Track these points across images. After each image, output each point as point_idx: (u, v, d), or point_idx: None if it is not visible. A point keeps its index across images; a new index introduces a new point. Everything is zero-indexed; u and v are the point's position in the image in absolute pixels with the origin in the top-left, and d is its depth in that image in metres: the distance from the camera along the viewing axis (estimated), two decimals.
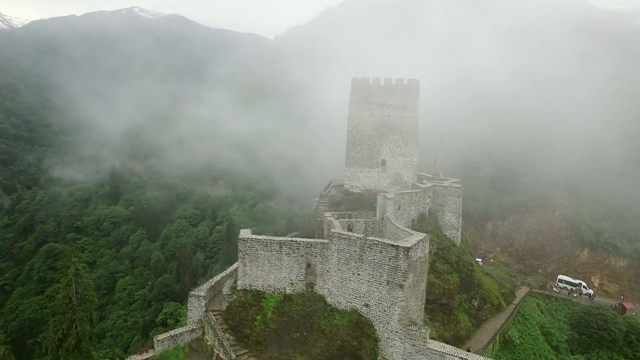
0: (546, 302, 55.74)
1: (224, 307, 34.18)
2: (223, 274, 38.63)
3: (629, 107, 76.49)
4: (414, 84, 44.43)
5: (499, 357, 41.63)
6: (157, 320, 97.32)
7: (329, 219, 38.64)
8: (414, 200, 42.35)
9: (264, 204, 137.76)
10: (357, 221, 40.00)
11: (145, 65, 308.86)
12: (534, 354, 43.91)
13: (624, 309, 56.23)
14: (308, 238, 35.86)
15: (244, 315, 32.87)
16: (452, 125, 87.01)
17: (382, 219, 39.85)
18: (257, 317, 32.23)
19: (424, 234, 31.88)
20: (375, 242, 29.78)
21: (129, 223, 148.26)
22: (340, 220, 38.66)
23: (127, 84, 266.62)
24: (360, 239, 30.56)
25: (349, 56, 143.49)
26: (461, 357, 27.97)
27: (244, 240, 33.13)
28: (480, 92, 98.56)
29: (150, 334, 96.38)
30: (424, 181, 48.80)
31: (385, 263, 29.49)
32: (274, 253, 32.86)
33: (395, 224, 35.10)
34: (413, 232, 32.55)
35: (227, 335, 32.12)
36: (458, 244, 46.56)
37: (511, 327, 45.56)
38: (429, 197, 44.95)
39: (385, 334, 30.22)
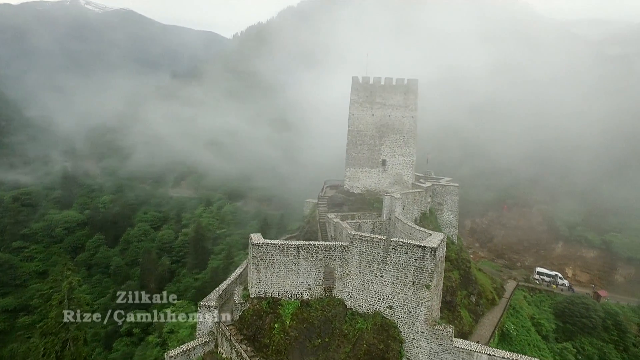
0: (531, 294, 58.47)
1: (236, 317, 32.40)
2: (229, 280, 36.70)
3: (607, 109, 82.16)
4: (413, 84, 44.58)
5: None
6: (121, 330, 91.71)
7: (335, 220, 37.84)
8: (417, 200, 42.57)
9: (232, 205, 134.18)
10: (364, 222, 39.49)
11: (97, 61, 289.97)
12: (529, 345, 45.76)
13: (598, 297, 60.25)
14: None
15: (260, 324, 31.32)
16: (435, 123, 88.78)
17: (389, 219, 39.63)
18: (275, 325, 30.82)
19: (443, 234, 31.98)
20: (401, 244, 29.41)
21: (85, 228, 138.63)
22: (348, 221, 37.99)
23: (79, 80, 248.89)
24: (384, 240, 30.06)
25: (319, 54, 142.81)
26: (489, 354, 28.34)
27: (258, 245, 31.53)
28: (461, 91, 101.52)
29: (114, 344, 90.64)
30: (421, 180, 49.33)
31: (411, 264, 29.20)
32: (290, 258, 31.57)
33: (409, 224, 34.98)
34: (431, 232, 32.52)
35: (244, 346, 30.47)
36: (456, 241, 47.51)
37: (506, 321, 47.17)
38: (430, 196, 45.44)
39: (411, 335, 29.98)
